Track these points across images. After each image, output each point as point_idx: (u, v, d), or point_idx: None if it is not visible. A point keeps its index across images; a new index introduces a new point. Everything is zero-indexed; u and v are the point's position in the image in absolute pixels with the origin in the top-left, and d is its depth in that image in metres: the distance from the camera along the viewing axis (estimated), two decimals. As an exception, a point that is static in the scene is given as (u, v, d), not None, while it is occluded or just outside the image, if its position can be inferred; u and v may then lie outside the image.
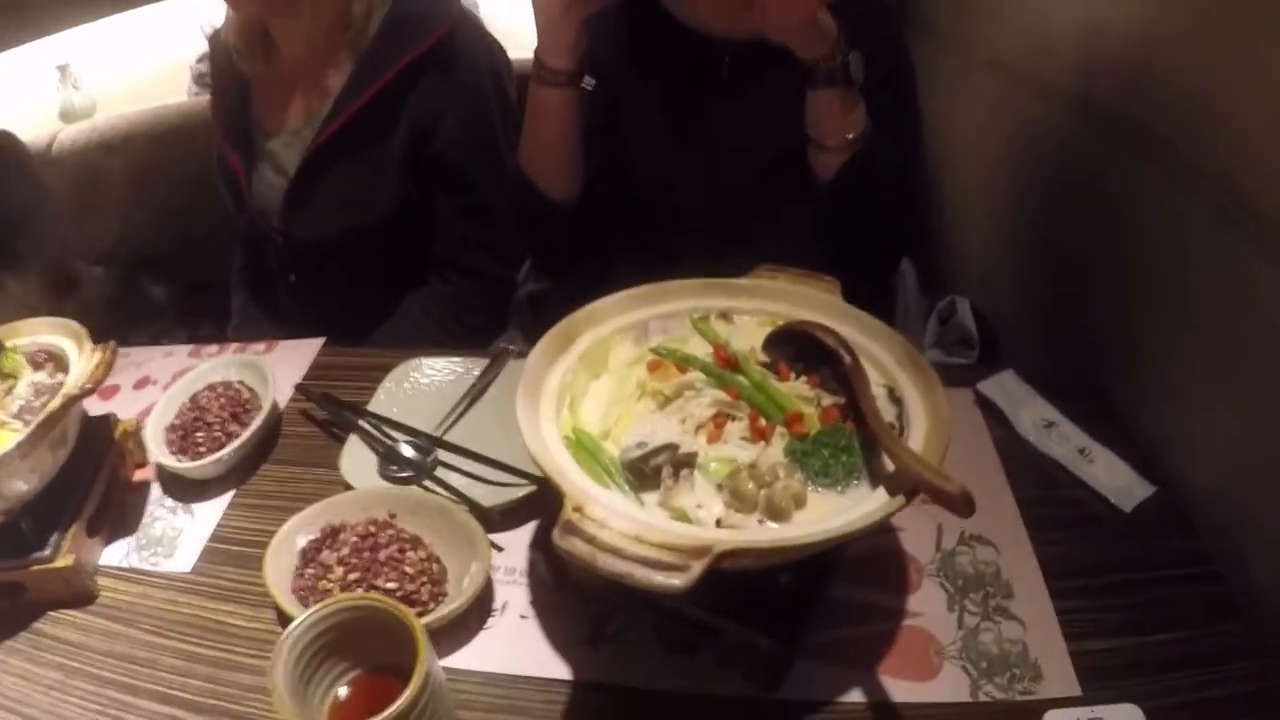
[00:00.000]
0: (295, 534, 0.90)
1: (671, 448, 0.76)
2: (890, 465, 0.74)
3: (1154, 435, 1.00)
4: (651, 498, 0.75)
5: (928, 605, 0.86)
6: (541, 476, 0.89)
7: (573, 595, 0.86)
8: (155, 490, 1.06)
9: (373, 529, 0.87)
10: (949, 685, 0.80)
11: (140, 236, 1.60)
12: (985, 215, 1.45)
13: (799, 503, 0.74)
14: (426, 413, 1.04)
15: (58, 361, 1.05)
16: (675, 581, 0.63)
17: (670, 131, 1.16)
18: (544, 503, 0.92)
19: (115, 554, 1.01)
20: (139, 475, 1.08)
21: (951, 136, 1.59)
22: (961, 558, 0.89)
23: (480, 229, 1.32)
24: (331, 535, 0.88)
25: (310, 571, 0.86)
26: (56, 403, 0.93)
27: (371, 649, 0.75)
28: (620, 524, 0.67)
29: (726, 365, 0.81)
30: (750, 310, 0.91)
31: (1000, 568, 0.88)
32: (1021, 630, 0.84)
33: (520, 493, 0.91)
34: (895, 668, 0.81)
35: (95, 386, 0.94)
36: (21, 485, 0.94)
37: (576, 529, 0.67)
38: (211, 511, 1.02)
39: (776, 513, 0.73)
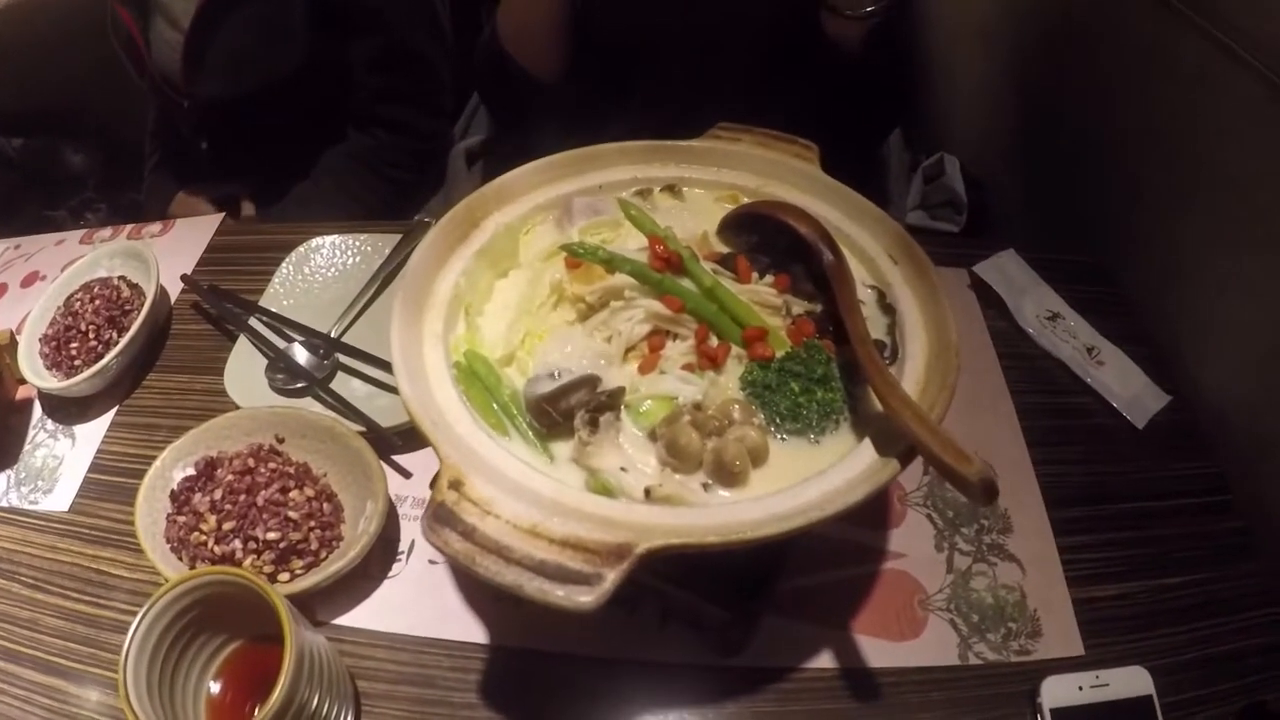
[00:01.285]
0: (171, 468, 0.64)
1: (590, 381, 0.48)
2: (875, 403, 0.47)
3: (1165, 331, 0.74)
4: (563, 449, 0.48)
5: (912, 543, 0.62)
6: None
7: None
8: (37, 411, 0.78)
9: (251, 463, 0.61)
10: (934, 644, 0.58)
11: (51, 103, 1.24)
12: (981, 66, 1.09)
13: (757, 459, 0.48)
14: (327, 303, 0.75)
15: None
16: (582, 599, 0.39)
17: None
18: None
19: None
20: (21, 394, 0.80)
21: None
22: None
23: (401, 78, 0.98)
24: (208, 472, 0.62)
25: (182, 520, 0.61)
26: None
27: (241, 620, 0.53)
28: (510, 509, 0.41)
29: (665, 265, 0.51)
30: (704, 182, 0.61)
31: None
32: (1020, 574, 0.61)
33: None
34: (874, 624, 0.59)
35: None
36: None
37: (451, 516, 0.41)
38: (92, 435, 0.74)
39: (727, 475, 0.46)
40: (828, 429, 0.48)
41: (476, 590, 0.60)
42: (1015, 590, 0.60)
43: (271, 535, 0.58)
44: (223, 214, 0.89)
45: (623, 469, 0.46)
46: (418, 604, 0.60)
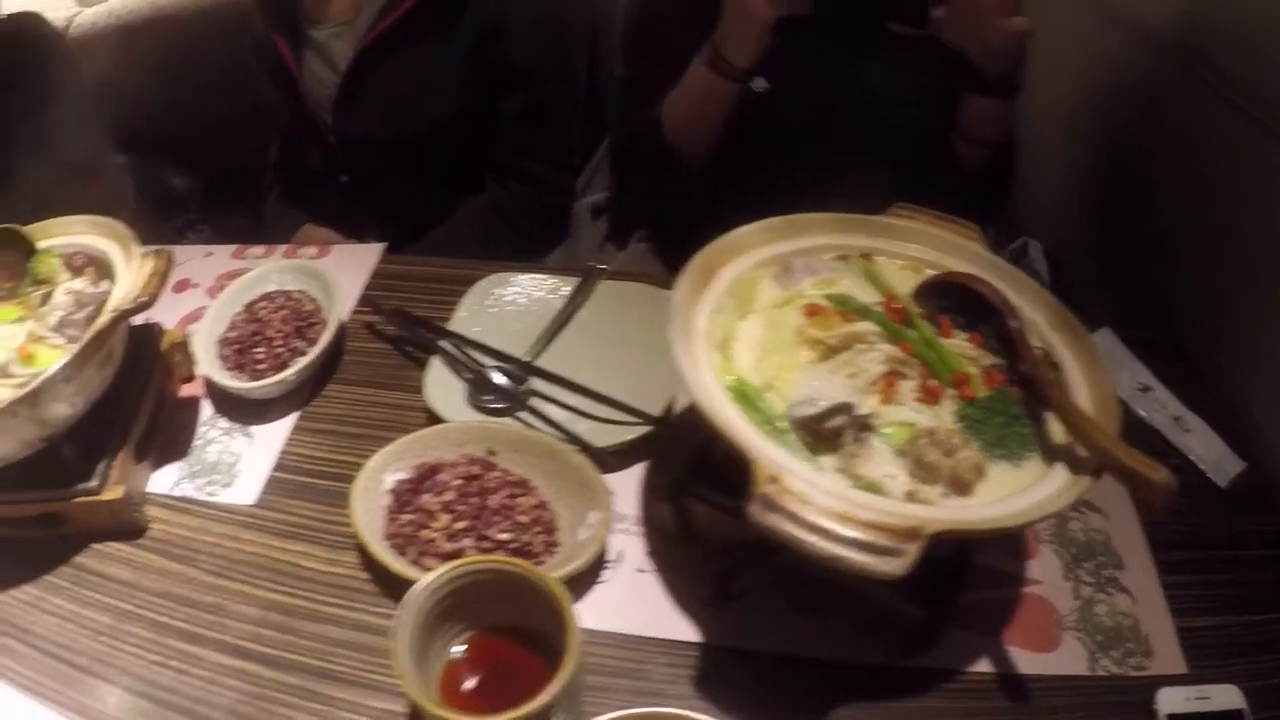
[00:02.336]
0: (382, 470, 0.72)
1: (847, 407, 0.59)
2: (1056, 437, 0.61)
3: (1242, 405, 0.89)
4: (828, 461, 0.58)
5: (1046, 572, 0.75)
6: (657, 417, 0.74)
7: (694, 549, 0.70)
8: (206, 409, 0.84)
9: (476, 470, 0.70)
10: (1068, 658, 0.69)
11: (161, 124, 1.29)
12: (1064, 152, 1.25)
13: (979, 475, 0.59)
14: (510, 335, 0.85)
15: (99, 267, 0.81)
16: (889, 568, 0.49)
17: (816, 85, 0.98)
18: (656, 444, 0.76)
19: (164, 480, 0.81)
20: (185, 391, 0.85)
21: (1033, 65, 1.39)
22: (1074, 524, 0.78)
23: (543, 135, 1.12)
24: (429, 474, 0.69)
25: (408, 517, 0.68)
26: (105, 319, 0.73)
27: (487, 610, 0.60)
28: (823, 500, 0.51)
29: (897, 318, 0.63)
30: (891, 252, 0.75)
31: (1110, 536, 0.78)
32: (1131, 603, 0.74)
33: (635, 433, 0.75)
34: (1019, 637, 0.71)
35: (151, 301, 0.73)
36: (65, 409, 0.74)
37: (776, 504, 0.51)
38: (273, 436, 0.82)
39: (960, 485, 0.59)
40: (1025, 455, 0.62)
41: (685, 595, 0.69)
42: (1129, 617, 0.72)
43: (504, 536, 0.66)
44: (384, 244, 0.97)
45: (888, 476, 0.56)
46: (629, 607, 0.69)
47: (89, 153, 1.08)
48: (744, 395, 0.61)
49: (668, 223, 1.10)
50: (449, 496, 0.67)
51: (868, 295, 0.68)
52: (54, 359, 0.74)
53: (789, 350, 0.64)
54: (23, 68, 1.10)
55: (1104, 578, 0.75)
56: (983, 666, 0.67)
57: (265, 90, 1.10)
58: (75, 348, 0.70)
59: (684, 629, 0.67)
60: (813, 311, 0.66)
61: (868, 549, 0.50)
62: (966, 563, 0.67)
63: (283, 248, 0.97)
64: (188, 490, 0.79)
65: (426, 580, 0.57)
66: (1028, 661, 0.68)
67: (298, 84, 1.06)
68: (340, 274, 0.92)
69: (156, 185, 1.25)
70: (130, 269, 0.76)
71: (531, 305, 0.87)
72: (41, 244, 0.84)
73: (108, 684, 0.69)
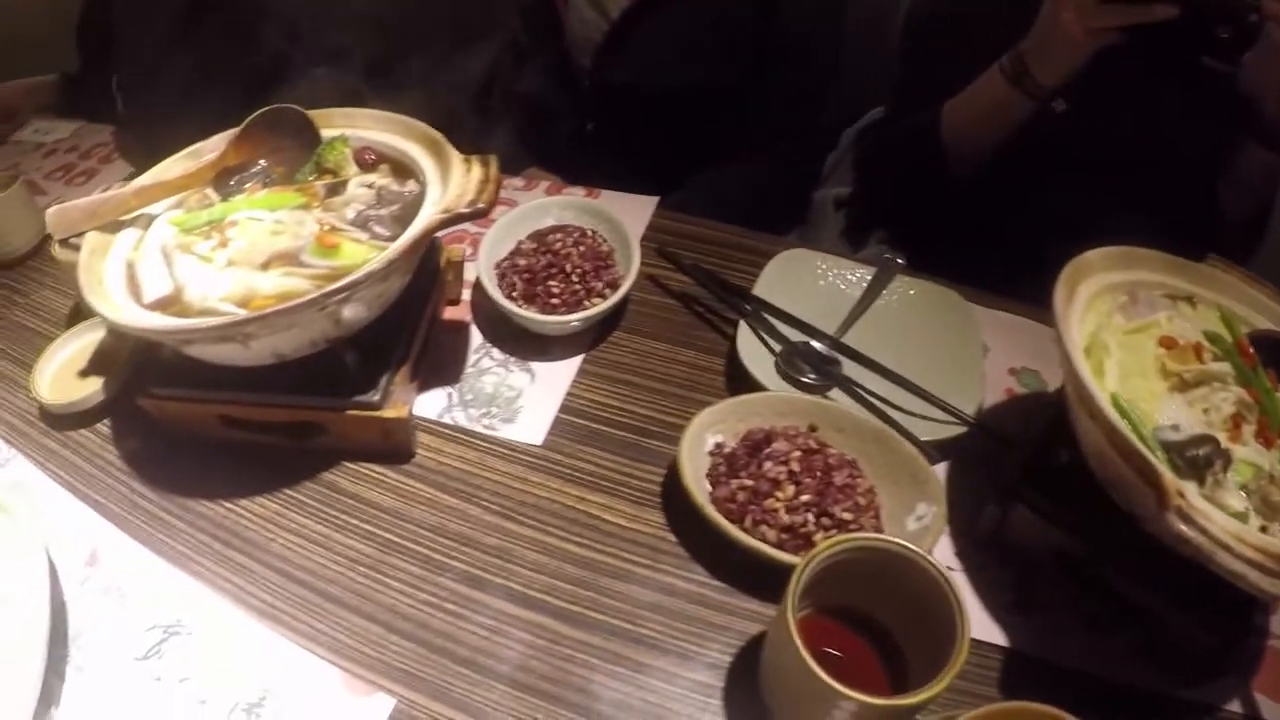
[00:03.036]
0: (704, 430, 0.84)
1: (1213, 440, 0.76)
2: None
3: None
4: (1190, 488, 0.75)
5: None
6: (972, 419, 0.87)
7: (1002, 554, 0.84)
8: (475, 336, 0.94)
9: (813, 444, 0.82)
10: None
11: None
12: None
13: (1310, 520, 0.77)
14: (810, 315, 0.96)
15: (395, 166, 0.90)
16: (1274, 589, 0.65)
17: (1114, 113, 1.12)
18: (968, 446, 0.88)
19: (431, 405, 0.90)
20: (450, 314, 0.95)
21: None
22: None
23: (803, 114, 1.23)
24: (764, 442, 0.82)
25: (745, 482, 0.80)
26: (435, 217, 0.81)
27: (834, 589, 0.71)
28: (1221, 520, 0.68)
29: (1249, 364, 0.82)
30: (1208, 300, 0.90)
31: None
32: None
33: (952, 431, 0.87)
34: (1265, 684, 0.83)
35: (489, 207, 0.81)
36: (362, 312, 0.82)
37: (1189, 518, 0.67)
38: (557, 376, 0.91)
39: None
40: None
41: (991, 598, 0.82)
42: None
43: (846, 515, 0.79)
44: (657, 196, 1.09)
45: (1247, 509, 0.74)
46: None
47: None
48: (1122, 410, 0.75)
49: (911, 231, 1.26)
50: (794, 467, 0.78)
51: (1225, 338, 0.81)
52: (359, 254, 0.83)
53: (1149, 377, 0.77)
54: None
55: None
56: (1234, 707, 0.79)
57: (516, 27, 1.21)
58: (400, 244, 0.77)
59: (991, 631, 0.77)
60: (1169, 344, 0.79)
61: (1260, 569, 0.67)
62: (1253, 600, 0.86)
63: (544, 183, 1.09)
64: (459, 419, 0.87)
65: (821, 551, 0.65)
66: (1270, 709, 0.81)
67: (562, 23, 1.18)
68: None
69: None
70: (453, 171, 0.83)
71: (828, 288, 0.99)
72: (326, 132, 0.94)
73: (365, 619, 0.77)
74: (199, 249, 0.83)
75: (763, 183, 1.26)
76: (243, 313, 0.76)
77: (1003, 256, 1.04)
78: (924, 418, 0.88)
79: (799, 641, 0.60)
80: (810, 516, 0.77)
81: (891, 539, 0.67)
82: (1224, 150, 1.09)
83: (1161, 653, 0.80)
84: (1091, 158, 1.11)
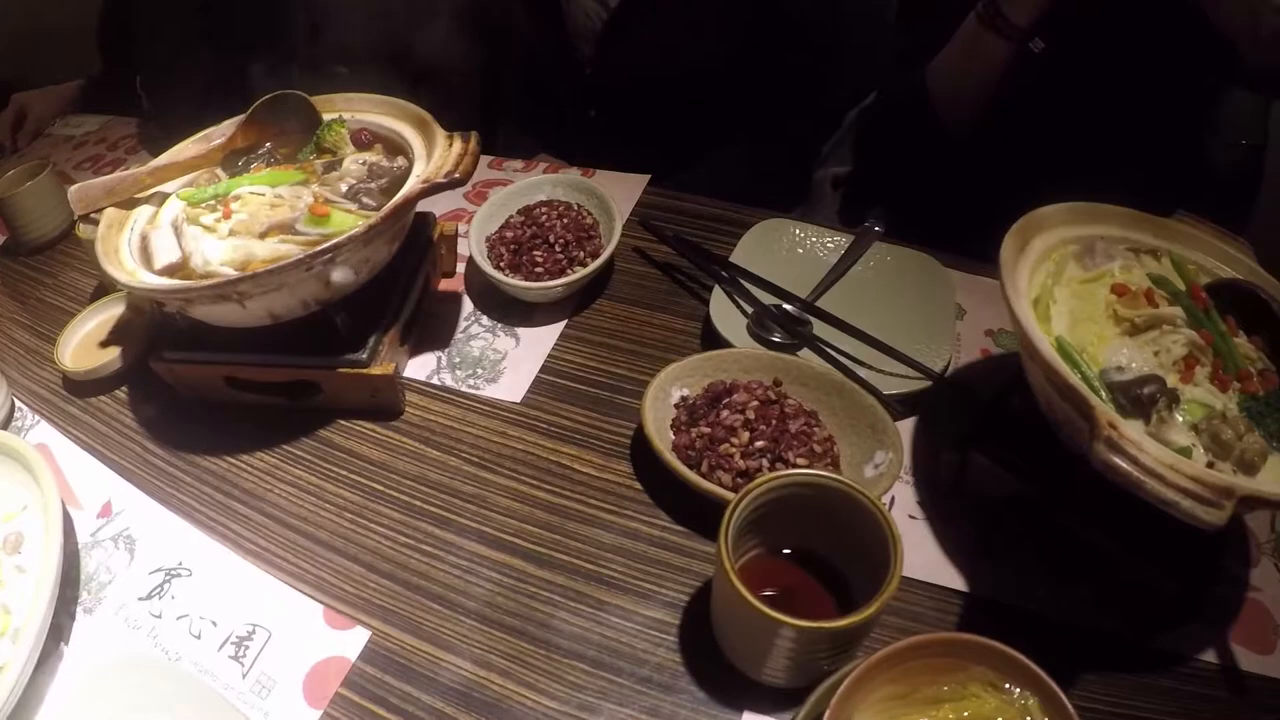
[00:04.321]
0: (670, 384, 0.90)
1: (1159, 380, 0.80)
2: None
3: None
4: (1136, 425, 0.79)
5: (1265, 583, 0.91)
6: (937, 372, 0.92)
7: (965, 503, 0.88)
8: (466, 304, 1.03)
9: (772, 395, 0.88)
10: None
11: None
12: None
13: (1263, 459, 0.79)
14: (787, 280, 1.02)
15: (387, 144, 1.00)
16: (1211, 517, 0.67)
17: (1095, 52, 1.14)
18: (930, 399, 0.93)
19: (421, 368, 0.98)
20: (444, 285, 1.04)
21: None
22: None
23: (802, 95, 1.30)
24: (724, 393, 0.88)
25: (704, 430, 0.86)
26: (415, 186, 0.89)
27: (783, 529, 0.76)
28: (1153, 448, 0.72)
29: (1201, 308, 0.85)
30: (1175, 254, 0.93)
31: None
32: None
33: (916, 385, 0.92)
34: (1241, 636, 0.86)
35: (464, 179, 0.89)
36: (350, 276, 0.90)
37: (1119, 447, 0.71)
38: (540, 340, 0.99)
39: (1247, 466, 0.77)
40: (1299, 450, 0.82)
41: (952, 545, 0.86)
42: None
43: (800, 461, 0.84)
44: (648, 175, 1.17)
45: (1192, 445, 0.78)
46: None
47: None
48: (1065, 352, 0.78)
49: (906, 205, 1.31)
50: (749, 415, 0.84)
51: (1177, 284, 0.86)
52: (348, 221, 0.92)
53: (1100, 322, 0.81)
54: None
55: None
56: (1209, 657, 0.81)
57: (517, 17, 1.31)
58: (384, 211, 0.86)
59: (951, 576, 0.81)
60: (1121, 291, 0.83)
61: (1194, 498, 0.70)
62: (1220, 547, 0.89)
63: (541, 165, 1.18)
64: (446, 380, 0.95)
65: (757, 486, 0.70)
66: (1248, 660, 0.83)
67: (562, 12, 1.27)
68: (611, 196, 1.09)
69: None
70: (436, 147, 0.92)
71: (806, 255, 1.05)
72: (327, 115, 1.04)
73: (349, 560, 0.85)
74: (204, 220, 0.93)
75: (761, 163, 1.32)
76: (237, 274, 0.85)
77: (993, 226, 1.08)
78: (891, 374, 0.93)
79: (730, 568, 0.66)
80: (765, 462, 0.83)
81: (824, 474, 0.72)
82: (1209, 101, 1.11)
83: (1124, 599, 0.83)
84: (1077, 111, 1.14)
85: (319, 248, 0.84)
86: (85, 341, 1.07)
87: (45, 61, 1.81)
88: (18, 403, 1.05)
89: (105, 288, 1.15)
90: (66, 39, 1.78)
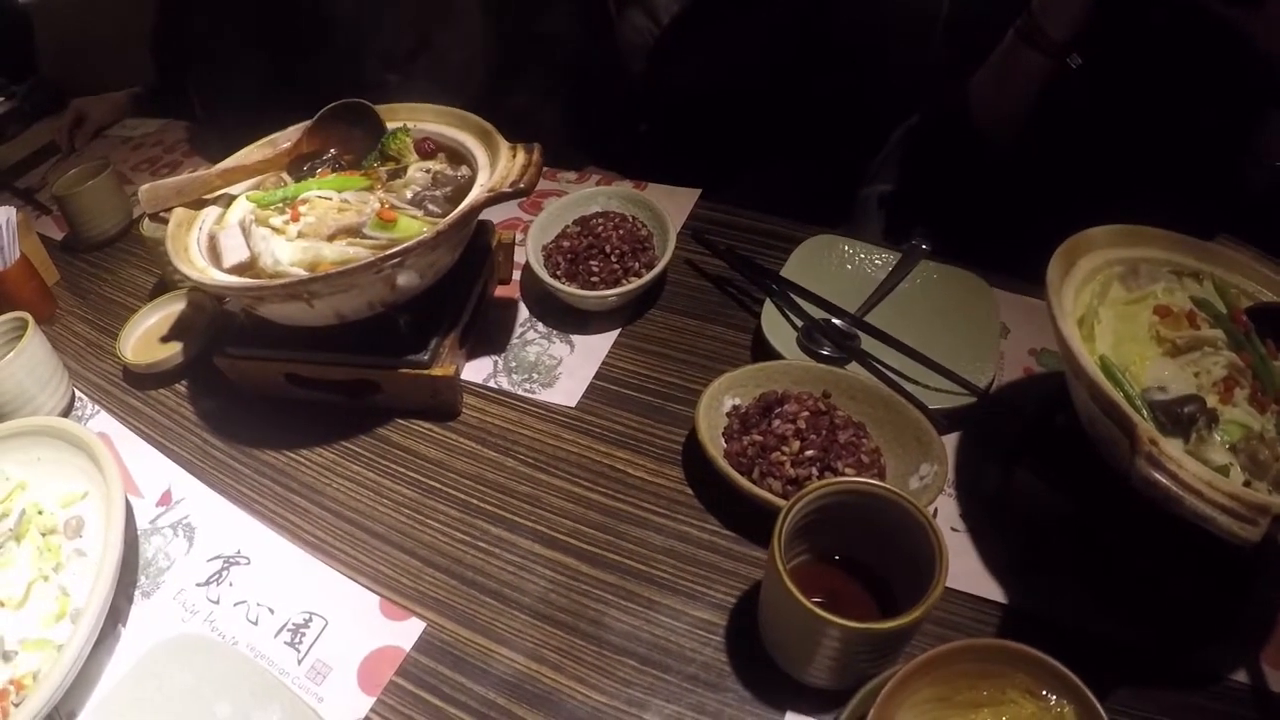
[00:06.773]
0: (724, 393, 0.97)
1: (1199, 400, 0.86)
2: None
3: None
4: (1176, 444, 0.86)
5: None
6: (982, 388, 0.98)
7: (1006, 517, 0.94)
8: (522, 311, 1.11)
9: (822, 406, 0.95)
10: None
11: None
12: None
13: (1300, 481, 0.86)
14: (834, 295, 1.10)
15: (450, 153, 1.08)
16: (1247, 534, 0.73)
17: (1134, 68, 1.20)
18: (975, 415, 0.99)
19: (478, 371, 1.06)
20: (501, 292, 1.12)
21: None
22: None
23: (848, 114, 1.38)
24: (776, 403, 0.95)
25: (755, 438, 0.93)
26: (481, 195, 0.97)
27: (831, 536, 0.82)
28: (1192, 467, 0.78)
29: (1243, 331, 0.92)
30: (1217, 278, 0.99)
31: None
32: None
33: (961, 401, 0.98)
34: (1271, 657, 0.90)
35: (529, 188, 0.97)
36: (415, 279, 0.98)
37: (1158, 463, 0.77)
38: (594, 347, 1.07)
39: None
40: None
41: (993, 558, 0.93)
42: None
43: (849, 470, 0.91)
44: (699, 190, 1.24)
45: (1230, 464, 0.84)
46: (945, 560, 0.93)
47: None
48: (1109, 371, 0.86)
49: (950, 223, 1.38)
50: (800, 425, 0.91)
51: (1219, 306, 0.92)
52: (414, 227, 0.99)
53: (1142, 342, 0.88)
54: None
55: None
56: (1240, 677, 0.86)
57: (568, 35, 1.40)
58: (451, 217, 0.93)
59: (990, 588, 0.87)
60: (1164, 313, 0.89)
61: (1231, 514, 0.77)
62: (1254, 569, 0.95)
63: (594, 176, 1.27)
64: (503, 383, 1.03)
65: (809, 493, 0.76)
66: (1278, 681, 0.87)
67: (613, 28, 1.36)
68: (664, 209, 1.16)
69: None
70: (500, 157, 1.00)
71: (855, 271, 1.13)
72: (390, 124, 1.12)
73: (406, 554, 0.92)
74: (273, 222, 1.01)
75: (807, 179, 1.40)
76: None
77: (1034, 245, 1.14)
78: (936, 389, 1.00)
79: (782, 568, 0.72)
80: (814, 470, 0.90)
81: (875, 482, 0.78)
82: (1245, 122, 1.17)
83: (1160, 616, 0.89)
84: (1115, 129, 1.21)
85: (389, 251, 0.91)
86: (146, 336, 1.15)
87: (98, 70, 1.92)
88: (78, 393, 1.12)
89: (165, 284, 1.23)
90: (117, 48, 1.89)
